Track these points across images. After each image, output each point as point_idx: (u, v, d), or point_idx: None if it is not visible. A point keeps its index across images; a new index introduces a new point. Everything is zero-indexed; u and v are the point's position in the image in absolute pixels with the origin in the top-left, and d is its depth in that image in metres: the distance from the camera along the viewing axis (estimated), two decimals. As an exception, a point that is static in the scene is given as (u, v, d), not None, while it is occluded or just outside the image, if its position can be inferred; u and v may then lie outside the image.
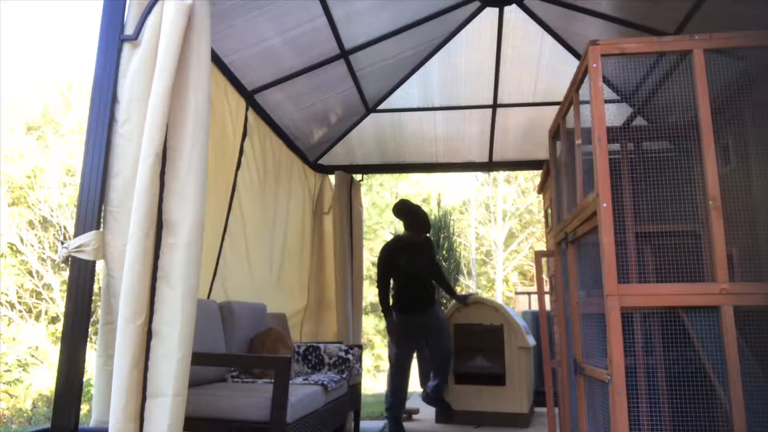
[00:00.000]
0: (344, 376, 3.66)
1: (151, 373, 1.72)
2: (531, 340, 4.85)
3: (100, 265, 1.87)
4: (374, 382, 15.17)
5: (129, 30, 1.94)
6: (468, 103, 4.72)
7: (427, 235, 4.47)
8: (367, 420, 5.36)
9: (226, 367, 3.22)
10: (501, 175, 17.67)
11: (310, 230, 5.21)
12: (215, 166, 3.36)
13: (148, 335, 1.73)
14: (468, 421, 4.65)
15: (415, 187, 19.09)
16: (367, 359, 15.63)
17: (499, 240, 18.03)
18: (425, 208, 17.96)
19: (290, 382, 2.71)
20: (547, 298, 4.14)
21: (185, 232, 1.79)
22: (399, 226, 18.70)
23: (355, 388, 4.13)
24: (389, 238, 18.49)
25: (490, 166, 5.46)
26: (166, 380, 1.70)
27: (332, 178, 5.37)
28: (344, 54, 3.84)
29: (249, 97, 3.82)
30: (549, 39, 3.96)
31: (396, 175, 17.14)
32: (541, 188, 4.48)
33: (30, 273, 14.81)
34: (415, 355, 4.45)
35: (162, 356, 1.72)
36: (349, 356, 3.71)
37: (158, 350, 1.73)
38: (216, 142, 3.38)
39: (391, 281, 4.29)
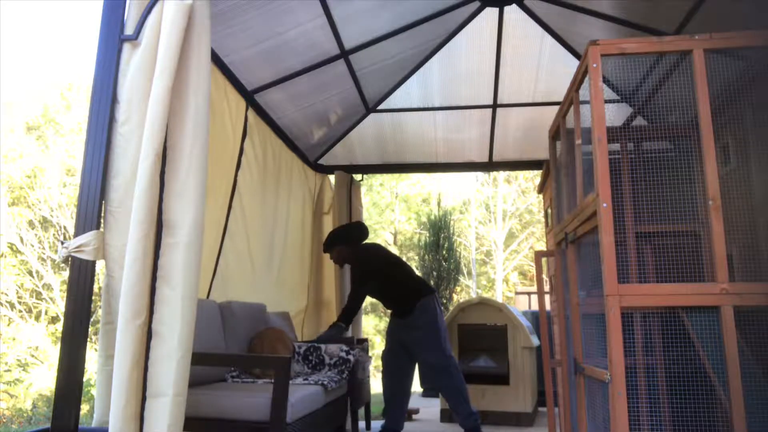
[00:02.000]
0: (344, 376, 3.66)
1: (151, 373, 1.72)
2: (535, 340, 4.86)
3: (100, 265, 1.87)
4: (374, 381, 15.15)
5: (129, 30, 1.94)
6: (468, 103, 4.72)
7: (362, 245, 4.18)
8: (367, 420, 5.35)
9: (226, 367, 3.22)
10: (501, 175, 17.67)
11: (310, 230, 5.21)
12: (215, 166, 3.36)
13: (148, 335, 1.73)
14: None
15: (415, 187, 19.11)
16: (367, 359, 15.61)
17: (499, 240, 18.03)
18: (425, 208, 17.99)
19: (290, 382, 2.71)
20: (547, 298, 4.14)
21: (185, 232, 1.79)
22: (399, 226, 18.72)
23: (362, 383, 4.12)
24: (389, 238, 18.42)
25: (490, 166, 5.46)
26: (166, 380, 1.70)
27: (332, 178, 5.38)
28: (344, 54, 3.84)
29: (249, 97, 3.82)
30: (549, 39, 3.96)
31: (396, 175, 17.15)
32: (541, 188, 4.47)
33: (30, 273, 14.81)
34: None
35: (162, 356, 1.72)
36: (350, 357, 3.71)
37: (158, 350, 1.73)
38: (216, 142, 3.38)
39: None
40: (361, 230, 4.22)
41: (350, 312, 3.94)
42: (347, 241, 4.12)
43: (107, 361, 1.83)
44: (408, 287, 3.97)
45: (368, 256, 4.08)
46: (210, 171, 2.00)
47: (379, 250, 4.23)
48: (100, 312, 1.89)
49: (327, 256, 5.07)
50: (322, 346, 3.79)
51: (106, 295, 1.86)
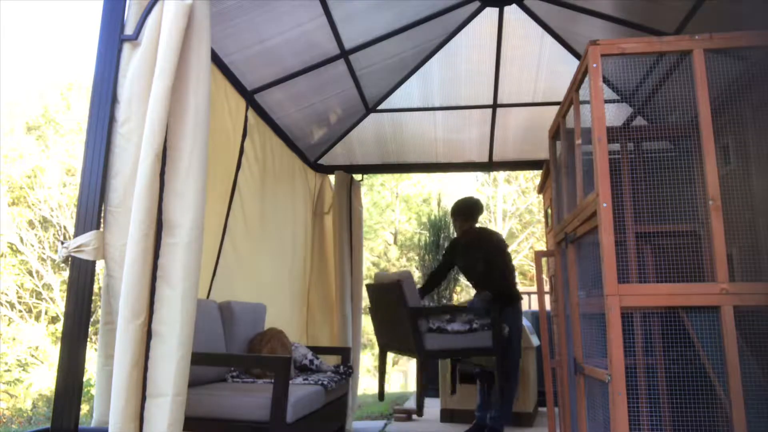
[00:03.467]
0: (344, 376, 3.66)
1: (151, 373, 1.72)
2: (535, 340, 4.86)
3: (100, 265, 1.87)
4: (374, 381, 15.16)
5: (129, 30, 1.94)
6: (468, 103, 4.72)
7: (481, 227, 4.39)
8: (367, 420, 5.36)
9: (226, 367, 3.22)
10: (501, 175, 17.66)
11: (310, 230, 5.21)
12: (215, 166, 3.36)
13: (148, 335, 1.73)
14: (472, 420, 4.65)
15: (416, 187, 19.10)
16: (367, 359, 15.63)
17: (499, 240, 17.97)
18: (425, 208, 17.99)
19: (290, 382, 2.71)
20: (547, 298, 4.13)
21: (185, 232, 1.79)
22: (399, 226, 18.71)
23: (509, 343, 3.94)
24: (389, 238, 18.39)
25: (490, 166, 5.46)
26: (166, 380, 1.70)
27: (332, 178, 5.37)
28: (344, 54, 3.84)
29: (249, 97, 3.82)
30: (549, 39, 3.96)
31: (396, 175, 17.15)
32: (541, 188, 4.48)
33: (30, 273, 14.82)
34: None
35: (162, 356, 1.72)
36: (347, 372, 3.77)
37: (158, 350, 1.73)
38: (216, 142, 3.38)
39: None
40: (478, 210, 4.43)
41: (434, 281, 4.36)
42: (466, 217, 4.35)
43: (107, 361, 1.83)
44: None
45: (465, 240, 4.29)
46: (210, 171, 2.00)
47: (485, 242, 4.26)
48: (100, 312, 1.89)
49: (332, 253, 5.15)
50: (317, 361, 3.69)
51: (106, 295, 1.86)
